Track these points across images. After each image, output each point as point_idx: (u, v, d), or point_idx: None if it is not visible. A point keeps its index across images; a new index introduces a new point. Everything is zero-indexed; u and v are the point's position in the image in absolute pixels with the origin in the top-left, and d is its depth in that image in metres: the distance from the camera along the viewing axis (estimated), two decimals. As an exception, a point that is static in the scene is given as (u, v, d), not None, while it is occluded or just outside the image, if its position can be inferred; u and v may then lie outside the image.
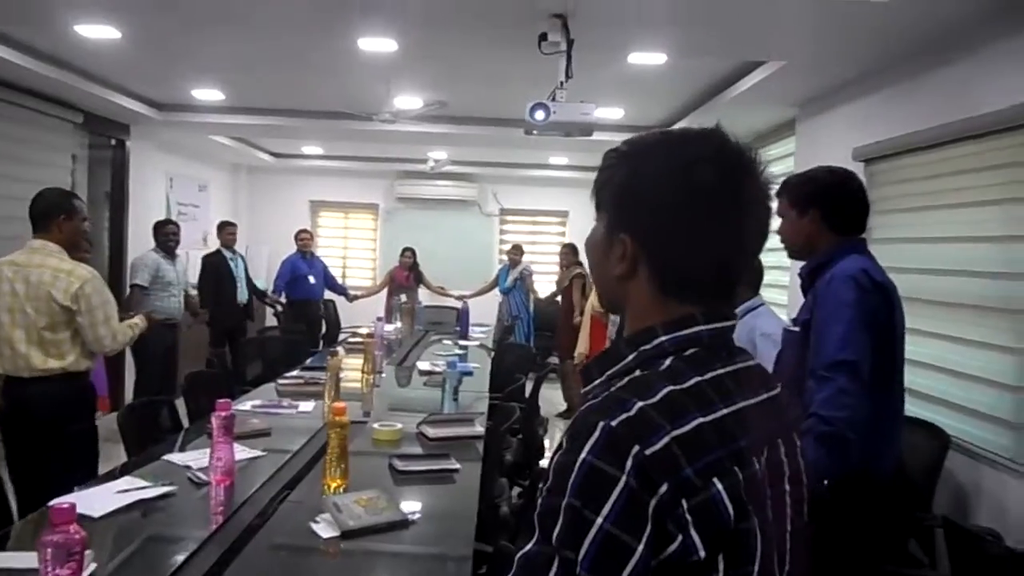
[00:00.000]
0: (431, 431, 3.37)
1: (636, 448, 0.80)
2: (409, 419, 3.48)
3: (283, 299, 7.95)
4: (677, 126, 6.33)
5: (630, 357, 0.93)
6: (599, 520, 0.79)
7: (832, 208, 2.25)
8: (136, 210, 7.22)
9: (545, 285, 9.21)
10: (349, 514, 2.27)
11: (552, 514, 0.82)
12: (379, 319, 6.08)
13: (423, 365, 5.26)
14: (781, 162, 5.79)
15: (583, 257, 7.70)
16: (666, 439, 0.82)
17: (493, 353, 6.16)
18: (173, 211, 8.33)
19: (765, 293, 3.51)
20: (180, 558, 2.01)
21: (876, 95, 4.10)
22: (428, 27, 3.79)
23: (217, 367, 5.01)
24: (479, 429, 3.47)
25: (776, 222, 1.11)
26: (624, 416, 0.83)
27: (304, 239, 8.24)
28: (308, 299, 8.10)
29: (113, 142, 6.96)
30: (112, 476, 2.67)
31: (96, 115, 6.36)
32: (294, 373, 4.76)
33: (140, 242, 6.68)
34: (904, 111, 3.80)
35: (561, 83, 3.24)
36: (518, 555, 0.84)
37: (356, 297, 8.73)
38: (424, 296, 9.01)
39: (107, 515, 2.28)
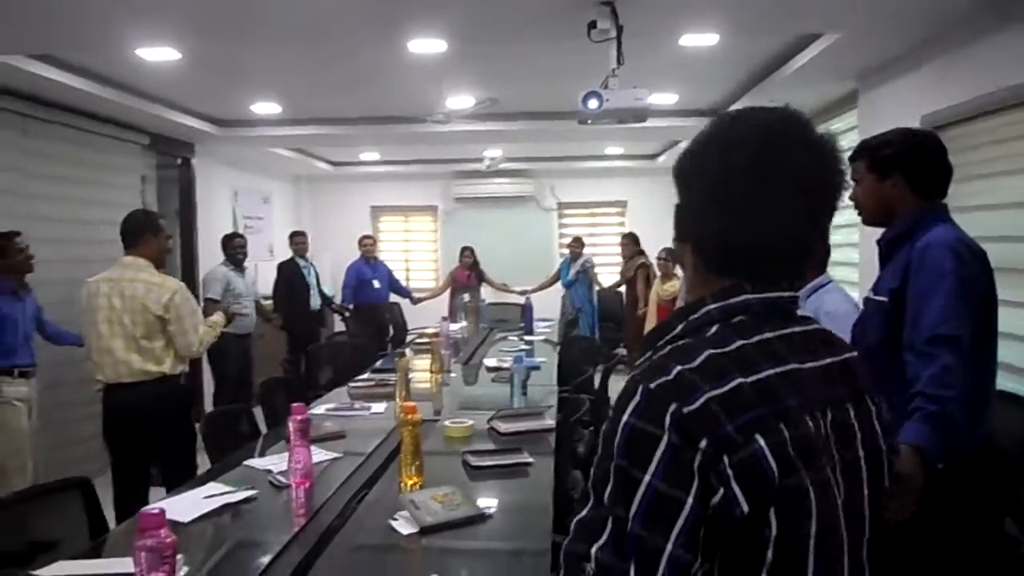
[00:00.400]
0: (502, 426, 3.39)
1: (674, 407, 0.84)
2: (479, 416, 3.50)
3: (350, 305, 8.08)
4: (733, 107, 6.22)
5: (678, 327, 0.97)
6: (647, 478, 0.83)
7: (917, 171, 2.15)
8: (204, 225, 7.43)
9: (607, 276, 9.14)
10: (427, 510, 2.30)
11: (603, 478, 0.86)
12: (444, 319, 6.13)
13: (490, 362, 5.28)
14: (843, 136, 5.65)
15: (645, 246, 7.65)
16: (703, 398, 0.85)
17: (559, 347, 6.14)
18: (239, 224, 8.55)
19: (835, 271, 3.42)
20: (265, 560, 2.06)
21: (942, 59, 3.95)
22: (476, 25, 3.80)
23: (292, 374, 5.10)
24: (550, 422, 3.47)
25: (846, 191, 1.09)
26: (662, 379, 0.87)
27: (368, 245, 8.36)
28: (374, 303, 8.22)
29: (179, 161, 7.17)
30: (198, 483, 2.75)
31: (161, 135, 6.57)
32: (364, 376, 4.83)
33: (210, 256, 6.88)
34: (973, 73, 3.65)
35: (613, 71, 3.21)
36: (575, 520, 0.89)
37: (420, 299, 8.81)
38: (487, 294, 9.05)
39: (195, 520, 2.35)
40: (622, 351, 6.71)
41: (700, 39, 4.29)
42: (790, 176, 0.94)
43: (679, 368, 0.87)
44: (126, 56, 4.46)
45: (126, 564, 1.91)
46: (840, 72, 4.79)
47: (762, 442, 0.85)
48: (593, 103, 3.17)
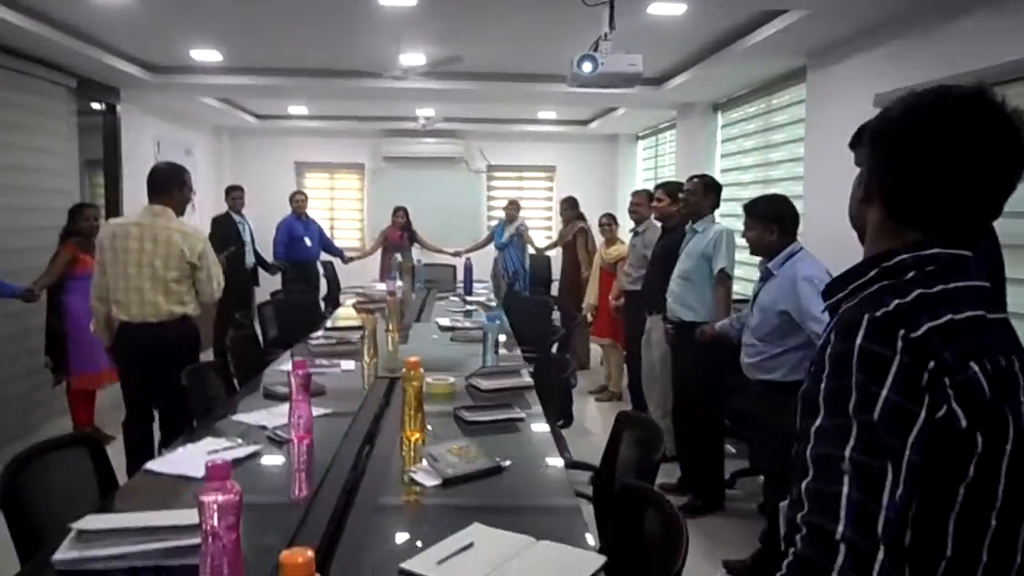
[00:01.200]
0: (483, 383, 3.43)
1: (902, 331, 0.96)
2: (447, 374, 3.52)
3: (283, 263, 7.90)
4: (679, 78, 6.35)
5: (872, 272, 1.08)
6: (884, 392, 0.94)
7: None
8: (127, 176, 7.08)
9: (536, 240, 9.21)
10: (446, 463, 2.33)
11: (841, 392, 0.95)
12: (389, 278, 6.10)
13: (443, 321, 5.30)
14: (784, 111, 5.87)
15: (584, 210, 7.73)
16: (924, 328, 0.97)
17: (500, 307, 6.22)
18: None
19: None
20: (296, 515, 2.05)
21: (899, 42, 4.15)
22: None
23: (248, 329, 4.97)
24: (528, 380, 3.53)
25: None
26: (884, 310, 0.99)
27: (299, 200, 8.18)
28: (306, 260, 8.06)
29: (103, 107, 6.79)
30: (190, 438, 2.69)
31: (88, 79, 6.21)
32: (319, 334, 4.77)
33: (134, 206, 6.56)
34: (928, 58, 3.86)
35: (605, 35, 3.24)
36: (813, 428, 0.96)
37: (351, 259, 8.69)
38: (420, 255, 9.00)
39: (208, 475, 2.30)
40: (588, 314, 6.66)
41: (668, 8, 4.36)
42: (996, 150, 1.03)
43: (896, 301, 0.99)
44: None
45: (162, 517, 1.88)
46: (793, 48, 4.96)
47: (976, 368, 0.97)
48: (588, 66, 3.19)
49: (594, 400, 6.50)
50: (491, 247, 8.73)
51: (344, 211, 11.04)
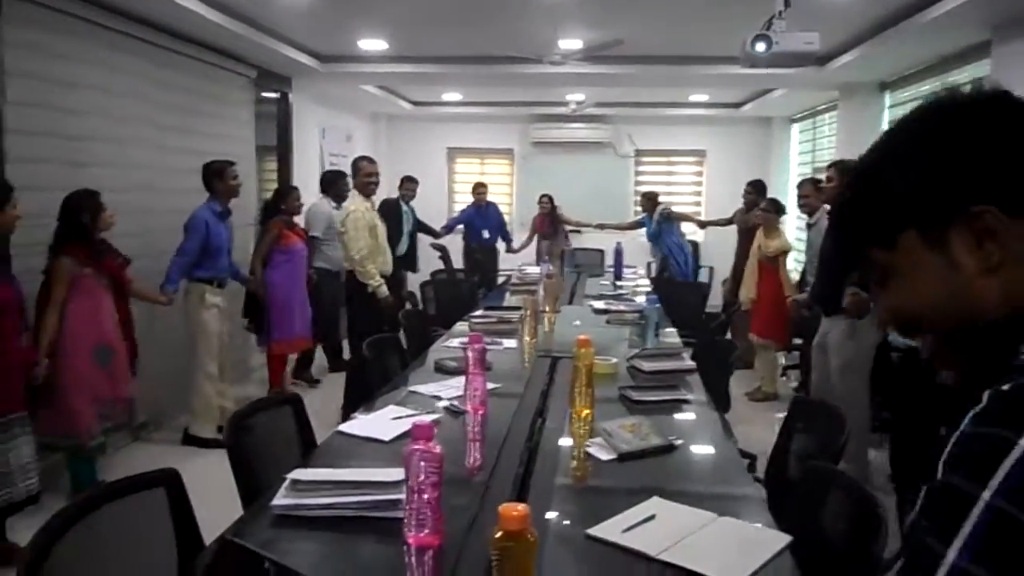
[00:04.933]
0: (646, 364, 3.45)
1: None
2: (605, 355, 3.55)
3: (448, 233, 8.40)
4: (845, 57, 6.08)
5: None
6: None
7: None
8: (297, 162, 7.53)
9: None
10: (621, 439, 2.38)
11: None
12: (544, 262, 6.22)
13: (597, 304, 5.35)
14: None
15: (724, 196, 7.49)
16: None
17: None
18: (326, 162, 8.64)
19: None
20: (481, 479, 2.16)
21: None
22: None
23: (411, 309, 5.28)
24: (690, 362, 3.53)
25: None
26: None
27: (480, 193, 8.57)
28: (483, 248, 8.50)
29: (278, 95, 7.24)
30: (368, 409, 2.86)
31: (264, 69, 6.63)
32: (479, 313, 4.93)
33: (304, 193, 6.96)
34: None
35: (780, 12, 3.17)
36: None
37: (517, 249, 8.91)
38: (568, 242, 9.12)
39: (397, 439, 2.46)
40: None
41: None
42: None
43: None
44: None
45: (363, 474, 2.03)
46: (978, 21, 4.66)
47: None
48: (761, 46, 3.14)
49: (747, 399, 6.12)
50: (642, 235, 8.68)
51: (493, 195, 11.18)
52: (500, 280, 7.75)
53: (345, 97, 8.91)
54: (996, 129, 0.76)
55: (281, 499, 1.92)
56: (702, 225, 8.63)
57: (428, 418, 2.69)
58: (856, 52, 5.86)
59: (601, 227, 8.78)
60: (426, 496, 1.71)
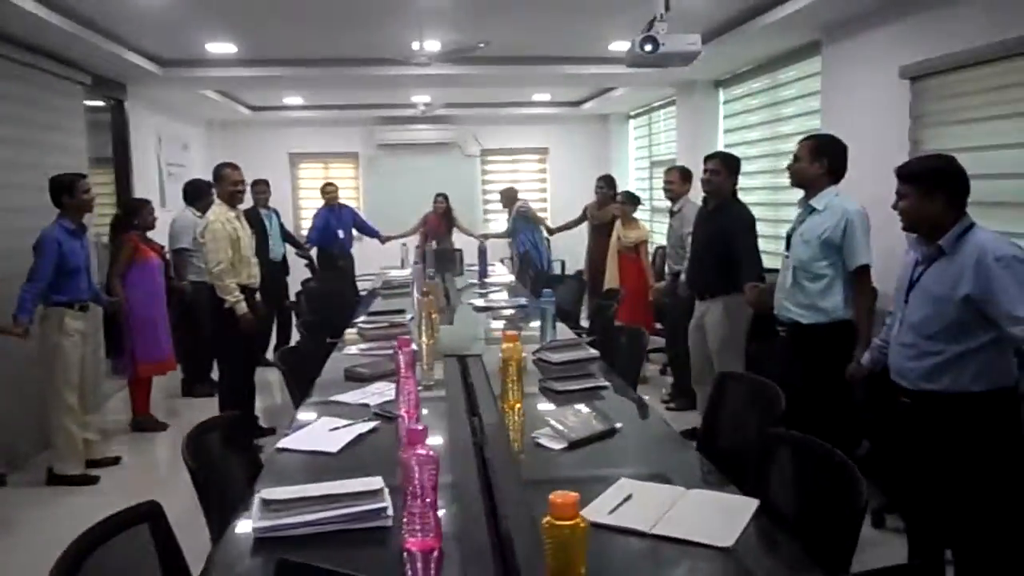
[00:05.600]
0: (553, 356, 3.56)
1: None
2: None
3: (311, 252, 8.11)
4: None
5: None
6: None
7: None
8: (136, 173, 7.07)
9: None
10: (568, 428, 2.46)
11: None
12: (416, 263, 6.20)
13: (478, 302, 5.42)
14: (796, 85, 6.04)
15: (568, 191, 7.77)
16: None
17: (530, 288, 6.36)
18: (164, 172, 8.17)
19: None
20: (448, 479, 2.16)
21: (923, 14, 4.29)
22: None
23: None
24: (593, 352, 3.67)
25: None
26: None
27: (329, 192, 8.28)
28: (338, 250, 8.22)
29: (112, 103, 6.77)
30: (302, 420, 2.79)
31: (100, 76, 6.18)
32: (363, 319, 4.87)
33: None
34: (952, 30, 4.02)
35: (660, 15, 3.36)
36: None
37: (390, 238, 8.71)
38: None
39: (344, 449, 2.42)
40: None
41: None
42: None
43: None
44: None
45: (335, 487, 1.98)
46: (809, 24, 5.12)
47: None
48: (649, 47, 3.31)
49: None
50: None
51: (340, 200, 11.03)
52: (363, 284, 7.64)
53: (181, 104, 8.45)
54: None
55: (260, 521, 1.85)
56: (551, 232, 8.79)
57: (368, 425, 2.67)
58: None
59: (486, 238, 8.75)
60: (428, 500, 1.71)
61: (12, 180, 4.96)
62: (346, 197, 10.93)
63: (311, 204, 10.43)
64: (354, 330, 4.55)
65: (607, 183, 7.51)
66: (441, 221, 8.77)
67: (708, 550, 1.72)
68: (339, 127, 10.50)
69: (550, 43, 6.32)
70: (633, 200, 6.57)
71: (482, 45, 5.00)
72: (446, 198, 8.85)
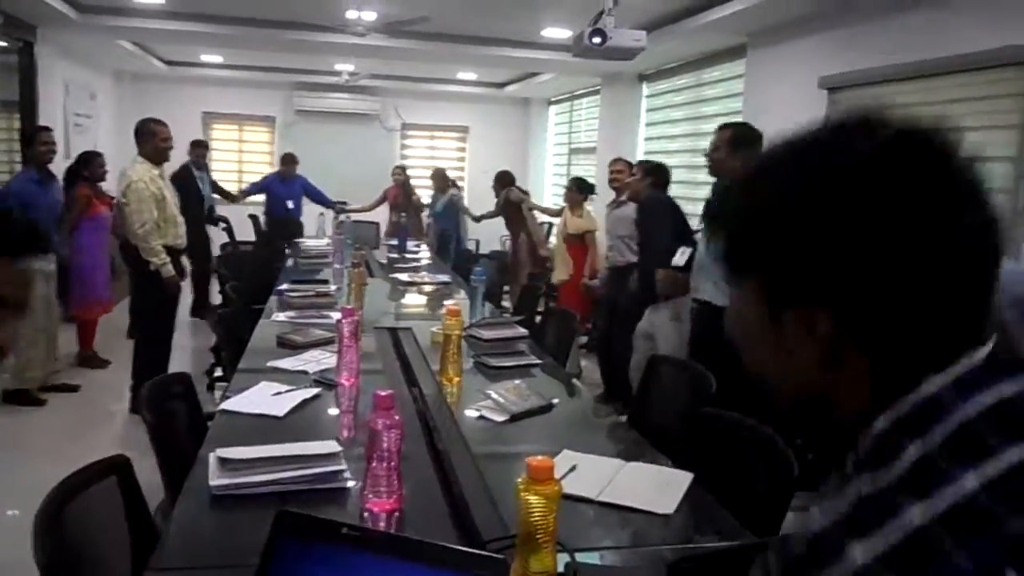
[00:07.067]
0: (485, 333, 3.64)
1: None
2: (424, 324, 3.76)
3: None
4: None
5: None
6: None
7: None
8: (43, 120, 6.73)
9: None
10: (508, 402, 2.56)
11: None
12: (338, 235, 6.18)
13: (402, 276, 5.45)
14: (720, 85, 6.29)
15: (485, 171, 7.80)
16: None
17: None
18: (69, 122, 7.79)
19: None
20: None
21: (845, 29, 4.57)
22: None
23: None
24: (523, 331, 3.78)
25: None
26: None
27: (287, 164, 8.24)
28: (287, 219, 8.12)
29: (20, 44, 6.42)
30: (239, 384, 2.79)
31: (8, 14, 5.85)
32: (286, 286, 4.82)
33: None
34: (872, 46, 4.31)
35: (609, 9, 3.47)
36: None
37: (346, 210, 8.51)
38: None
39: (290, 414, 2.45)
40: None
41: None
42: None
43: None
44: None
45: (292, 448, 2.02)
46: (737, 28, 5.35)
47: None
48: (598, 40, 3.42)
49: None
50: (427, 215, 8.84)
51: (253, 164, 10.79)
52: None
53: (90, 51, 8.07)
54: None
55: (218, 479, 1.87)
56: (477, 220, 8.82)
57: (311, 391, 2.70)
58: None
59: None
60: (394, 463, 1.78)
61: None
62: (260, 162, 10.76)
63: (224, 167, 10.19)
64: (276, 297, 4.51)
65: (498, 180, 7.58)
66: (400, 192, 8.69)
67: (651, 516, 1.85)
68: (257, 89, 10.25)
69: (485, 23, 6.36)
70: (583, 188, 6.48)
71: (424, 19, 4.99)
72: (403, 169, 8.79)
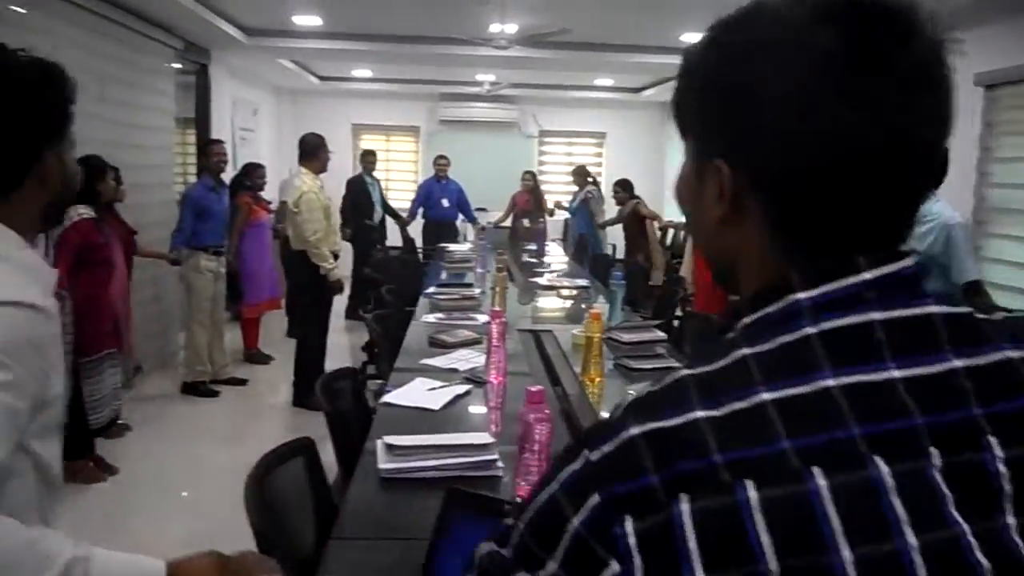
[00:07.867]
0: (624, 336, 3.74)
1: None
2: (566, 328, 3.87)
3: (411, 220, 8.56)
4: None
5: None
6: None
7: None
8: (215, 134, 7.35)
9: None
10: (649, 402, 2.65)
11: None
12: (481, 241, 6.43)
13: (541, 280, 5.62)
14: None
15: (635, 179, 7.88)
16: None
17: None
18: (236, 136, 8.46)
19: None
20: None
21: (999, 25, 4.37)
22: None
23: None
24: (662, 334, 3.84)
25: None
26: None
27: (441, 164, 8.64)
28: (442, 220, 8.59)
29: (196, 67, 7.04)
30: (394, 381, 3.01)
31: (189, 41, 6.45)
32: (432, 289, 5.08)
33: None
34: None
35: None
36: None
37: (483, 228, 8.95)
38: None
39: (444, 407, 2.64)
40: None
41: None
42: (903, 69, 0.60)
43: None
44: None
45: (450, 438, 2.20)
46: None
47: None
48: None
49: None
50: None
51: (399, 172, 11.30)
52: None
53: (254, 70, 8.72)
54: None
55: (385, 463, 2.07)
56: (602, 227, 8.92)
57: (463, 387, 2.89)
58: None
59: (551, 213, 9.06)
60: (544, 455, 1.92)
61: (110, 137, 5.22)
62: (406, 170, 11.25)
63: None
64: (425, 300, 4.76)
65: (621, 186, 7.87)
66: (529, 198, 8.93)
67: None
68: (403, 100, 10.73)
69: (622, 31, 6.44)
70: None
71: (565, 31, 5.14)
72: (534, 175, 9.05)
